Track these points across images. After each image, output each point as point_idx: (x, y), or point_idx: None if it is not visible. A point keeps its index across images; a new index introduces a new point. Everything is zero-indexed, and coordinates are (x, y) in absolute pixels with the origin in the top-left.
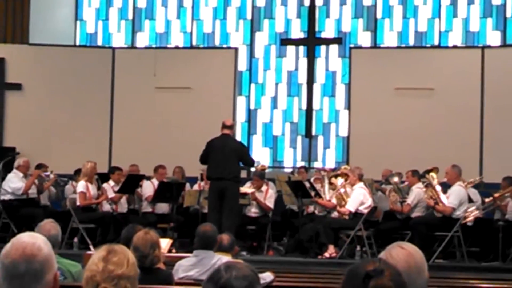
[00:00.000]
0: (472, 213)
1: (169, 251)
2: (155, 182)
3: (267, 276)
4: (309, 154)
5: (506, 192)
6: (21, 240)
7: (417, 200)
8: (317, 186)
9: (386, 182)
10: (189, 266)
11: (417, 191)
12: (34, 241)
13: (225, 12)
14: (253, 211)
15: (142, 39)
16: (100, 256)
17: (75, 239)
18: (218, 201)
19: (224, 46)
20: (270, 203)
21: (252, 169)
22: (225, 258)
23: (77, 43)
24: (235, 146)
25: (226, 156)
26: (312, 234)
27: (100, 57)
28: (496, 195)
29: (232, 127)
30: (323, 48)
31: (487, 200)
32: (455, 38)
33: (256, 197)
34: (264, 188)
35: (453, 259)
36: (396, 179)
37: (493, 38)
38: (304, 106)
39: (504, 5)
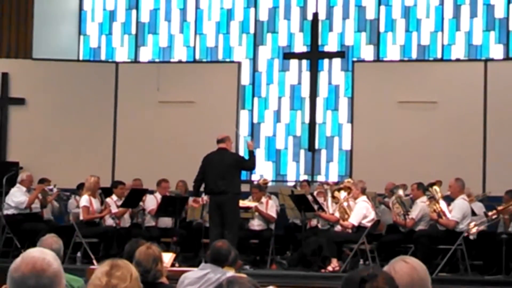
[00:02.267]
0: (476, 225)
1: (172, 265)
2: (158, 196)
3: None
4: (312, 167)
5: (510, 205)
6: (31, 255)
7: (421, 215)
8: (320, 199)
9: (391, 194)
10: (195, 278)
11: (422, 205)
12: (44, 256)
13: (228, 26)
14: (256, 224)
15: (146, 54)
16: (103, 270)
17: (78, 254)
18: (218, 215)
19: (227, 60)
20: (272, 212)
21: (254, 182)
22: (228, 272)
23: (81, 58)
24: (231, 159)
25: (223, 171)
26: (315, 248)
27: (104, 72)
28: (500, 208)
29: (224, 140)
30: (326, 61)
31: (490, 213)
32: (458, 51)
33: (258, 209)
34: (264, 200)
35: (456, 273)
36: (400, 192)
37: (496, 51)
38: (307, 120)
39: (507, 18)
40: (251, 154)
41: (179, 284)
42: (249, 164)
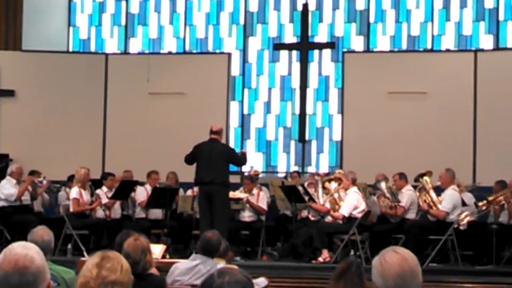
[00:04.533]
0: (465, 218)
1: (163, 256)
2: (148, 187)
3: (261, 282)
4: (303, 158)
5: (500, 195)
6: (13, 252)
7: (410, 202)
8: (311, 190)
9: (375, 188)
10: (185, 269)
11: (408, 193)
12: (27, 252)
13: (218, 17)
14: (246, 216)
15: (135, 45)
16: (94, 262)
17: (69, 246)
18: (208, 206)
19: (217, 51)
20: (263, 204)
21: (245, 174)
22: (219, 264)
23: (70, 49)
24: (222, 150)
25: (213, 161)
26: (306, 239)
27: (93, 63)
28: (490, 198)
29: (219, 132)
30: (316, 52)
31: (480, 203)
32: (448, 41)
33: (249, 200)
34: (255, 191)
35: (447, 263)
36: (383, 184)
37: (486, 41)
38: (297, 111)
39: (496, 9)
40: (244, 155)
41: (170, 274)
42: (241, 160)
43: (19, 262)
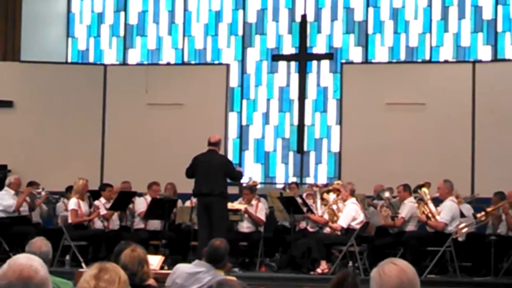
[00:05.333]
0: (464, 228)
1: (161, 268)
2: (148, 198)
3: None
4: (301, 169)
5: (498, 206)
6: (18, 262)
7: (410, 214)
8: (309, 201)
9: (378, 198)
10: (186, 274)
11: (410, 205)
12: (31, 263)
13: (216, 28)
14: (245, 227)
15: (134, 56)
16: (92, 274)
17: (67, 257)
18: (207, 217)
19: (216, 62)
20: (261, 215)
21: (244, 184)
22: (220, 275)
23: (69, 60)
24: (220, 161)
25: (212, 172)
26: (304, 250)
27: (92, 74)
28: (489, 209)
29: (217, 143)
30: (314, 63)
31: (478, 215)
32: (446, 53)
33: (248, 211)
34: (254, 202)
35: (445, 274)
36: (387, 194)
37: (484, 52)
38: (295, 122)
39: (495, 20)
40: (240, 173)
41: (171, 274)
42: (238, 175)
43: (24, 272)
